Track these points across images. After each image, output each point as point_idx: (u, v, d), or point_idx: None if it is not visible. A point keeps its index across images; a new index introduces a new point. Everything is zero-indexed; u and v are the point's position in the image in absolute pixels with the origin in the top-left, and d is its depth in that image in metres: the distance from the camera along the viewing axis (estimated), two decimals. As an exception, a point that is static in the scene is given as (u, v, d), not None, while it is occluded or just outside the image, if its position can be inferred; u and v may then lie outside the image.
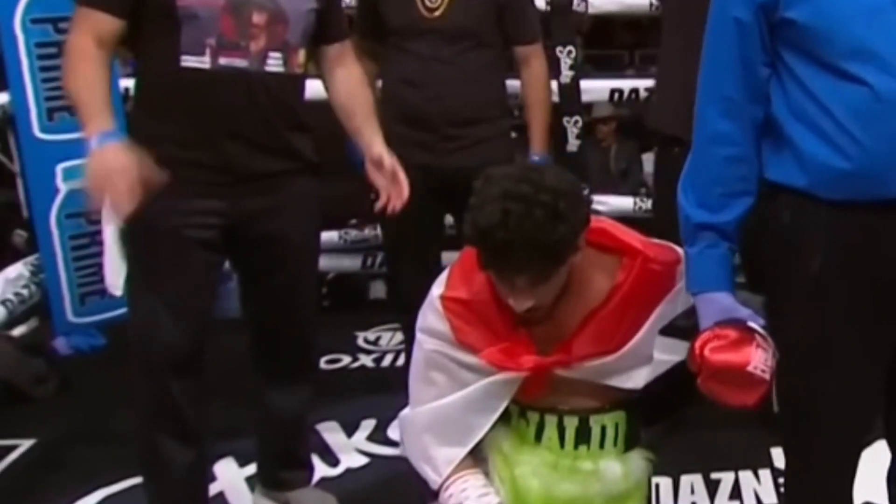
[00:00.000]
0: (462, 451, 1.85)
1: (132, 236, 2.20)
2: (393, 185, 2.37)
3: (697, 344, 1.64)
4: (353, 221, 4.44)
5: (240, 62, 2.19)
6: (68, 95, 2.17)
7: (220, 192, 2.23)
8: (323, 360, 3.58)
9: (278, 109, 2.26)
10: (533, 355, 1.78)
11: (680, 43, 2.70)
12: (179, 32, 2.15)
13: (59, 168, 3.46)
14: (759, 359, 1.61)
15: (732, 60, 1.66)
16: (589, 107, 4.56)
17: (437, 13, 2.85)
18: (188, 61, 2.15)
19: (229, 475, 2.87)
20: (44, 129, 3.38)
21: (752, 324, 1.64)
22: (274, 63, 2.22)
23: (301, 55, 2.29)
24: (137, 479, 2.48)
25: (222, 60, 2.17)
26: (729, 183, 1.69)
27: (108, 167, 1.96)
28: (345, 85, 2.46)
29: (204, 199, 2.22)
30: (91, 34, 2.10)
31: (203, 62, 2.16)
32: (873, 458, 1.87)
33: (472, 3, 2.87)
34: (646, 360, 1.81)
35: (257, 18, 2.18)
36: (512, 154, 3.03)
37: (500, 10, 2.92)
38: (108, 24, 2.12)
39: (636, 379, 1.82)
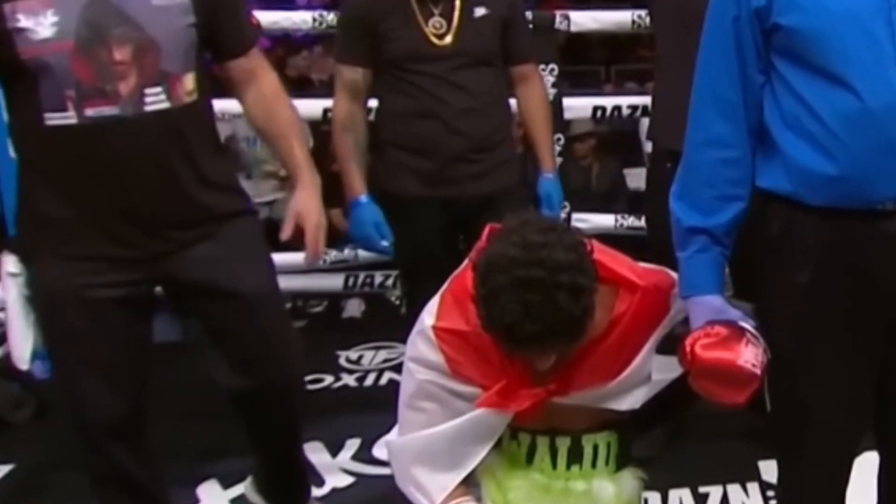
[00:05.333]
0: (456, 478, 1.83)
1: (38, 303, 2.05)
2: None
3: (688, 342, 1.64)
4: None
5: (110, 110, 1.89)
6: None
7: (126, 266, 2.01)
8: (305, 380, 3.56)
9: (175, 154, 1.98)
10: (530, 388, 1.75)
11: (675, 55, 2.71)
12: (38, 87, 1.88)
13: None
14: (749, 354, 1.61)
15: (730, 62, 1.67)
16: (566, 124, 4.57)
17: (447, 39, 2.72)
18: (52, 119, 1.88)
19: (213, 498, 2.83)
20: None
21: (742, 323, 1.64)
22: (154, 100, 1.93)
23: (188, 82, 1.98)
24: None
25: (89, 111, 1.88)
26: (721, 186, 1.69)
27: None
28: (258, 105, 2.17)
29: (108, 268, 2.00)
30: None
31: (68, 117, 1.88)
32: (865, 469, 1.87)
33: (480, 26, 2.76)
34: (643, 381, 1.80)
35: (120, 54, 1.89)
36: (522, 174, 2.96)
37: (504, 28, 2.83)
38: None
39: (633, 400, 1.81)
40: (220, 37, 2.09)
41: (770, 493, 2.71)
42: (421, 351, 1.80)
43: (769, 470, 2.67)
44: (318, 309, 4.67)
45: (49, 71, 1.87)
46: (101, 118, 1.90)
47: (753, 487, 2.79)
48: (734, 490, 2.79)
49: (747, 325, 1.64)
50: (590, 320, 1.62)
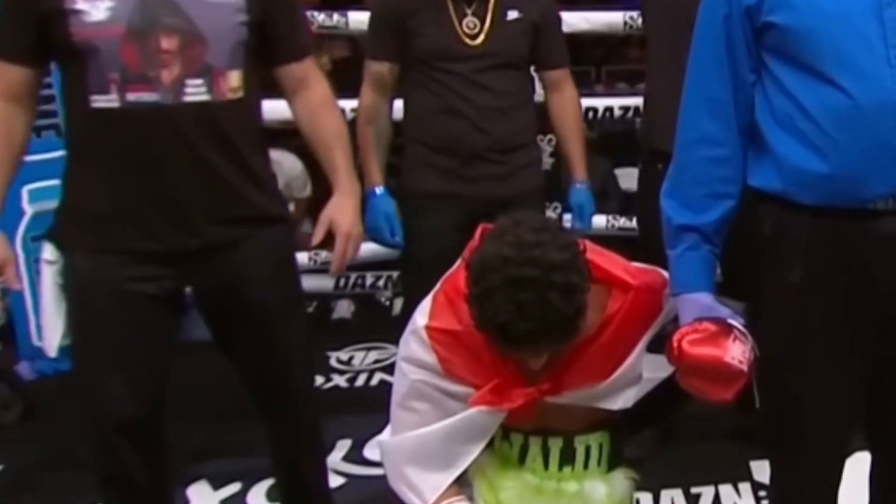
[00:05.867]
0: (448, 478, 1.82)
1: (70, 292, 2.06)
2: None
3: (676, 337, 1.65)
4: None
5: (149, 96, 1.93)
6: None
7: (159, 262, 2.02)
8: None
9: (212, 146, 2.00)
10: (523, 388, 1.74)
11: (667, 56, 2.71)
12: (86, 70, 1.93)
13: (25, 190, 3.42)
14: (736, 351, 1.62)
15: (720, 60, 1.67)
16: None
17: (478, 40, 2.73)
18: (97, 101, 1.93)
19: (203, 499, 2.83)
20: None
21: (730, 320, 1.64)
22: (194, 91, 1.96)
23: (232, 78, 2.01)
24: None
25: (130, 96, 1.93)
26: (711, 184, 1.70)
27: None
28: (307, 112, 2.21)
29: (141, 263, 2.01)
30: None
31: (111, 100, 1.93)
32: (857, 468, 1.87)
33: (512, 29, 2.77)
34: (634, 381, 1.80)
35: (167, 43, 1.93)
36: (543, 179, 2.98)
37: (536, 33, 2.83)
38: (14, 74, 1.97)
39: (624, 400, 1.81)
40: (275, 41, 2.11)
41: (762, 493, 2.72)
42: (413, 351, 1.80)
43: (761, 470, 2.69)
44: (308, 310, 4.65)
45: (97, 54, 1.91)
46: (142, 104, 1.93)
47: (745, 487, 2.80)
48: (726, 490, 2.80)
49: (735, 322, 1.64)
50: (583, 320, 1.62)
